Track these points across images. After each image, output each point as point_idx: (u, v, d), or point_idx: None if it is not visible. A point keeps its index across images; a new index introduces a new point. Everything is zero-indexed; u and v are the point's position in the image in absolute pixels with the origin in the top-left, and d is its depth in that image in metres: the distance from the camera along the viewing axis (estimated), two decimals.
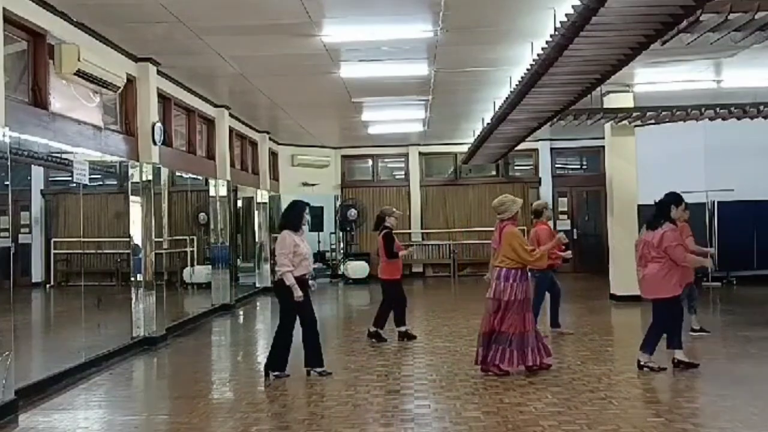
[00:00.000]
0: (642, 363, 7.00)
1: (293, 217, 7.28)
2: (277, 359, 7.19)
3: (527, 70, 8.07)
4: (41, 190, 16.79)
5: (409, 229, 19.42)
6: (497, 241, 7.14)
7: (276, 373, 7.15)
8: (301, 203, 7.52)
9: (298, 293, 6.97)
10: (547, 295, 9.42)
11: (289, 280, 6.97)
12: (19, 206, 15.43)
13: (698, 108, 11.21)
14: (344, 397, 6.36)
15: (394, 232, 9.39)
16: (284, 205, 19.26)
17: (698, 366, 7.01)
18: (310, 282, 7.29)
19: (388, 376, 7.16)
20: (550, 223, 9.90)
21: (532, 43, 8.34)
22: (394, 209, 9.74)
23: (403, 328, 9.22)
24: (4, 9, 6.21)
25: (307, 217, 7.35)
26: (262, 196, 16.57)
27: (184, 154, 11.61)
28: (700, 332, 8.91)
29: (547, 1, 7.14)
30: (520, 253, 6.93)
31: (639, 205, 12.60)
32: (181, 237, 16.05)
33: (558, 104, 9.69)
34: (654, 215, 7.19)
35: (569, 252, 9.01)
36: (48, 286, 16.44)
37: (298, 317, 7.20)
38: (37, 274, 16.41)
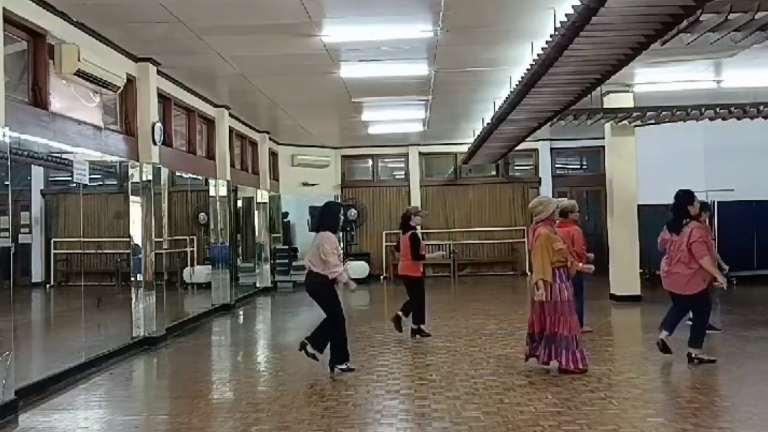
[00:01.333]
0: (694, 356, 7.13)
1: (333, 219, 7.46)
2: (340, 352, 7.31)
3: (527, 70, 8.07)
4: (41, 190, 16.79)
5: None
6: (532, 243, 7.18)
7: (342, 366, 7.25)
8: (336, 205, 7.66)
9: (352, 286, 7.34)
10: None
11: (344, 277, 7.20)
12: (19, 206, 15.44)
13: (698, 108, 11.22)
14: (344, 397, 6.36)
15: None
16: (284, 206, 19.40)
17: (715, 361, 7.15)
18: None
19: (388, 376, 7.16)
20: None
21: (532, 43, 8.35)
22: (419, 208, 9.81)
23: (415, 326, 9.33)
24: (4, 9, 6.21)
25: (342, 217, 7.48)
26: (262, 196, 16.57)
27: (184, 154, 11.61)
28: (709, 329, 8.79)
29: (547, 1, 7.14)
30: (538, 254, 6.90)
31: (639, 205, 12.61)
32: (181, 237, 16.05)
33: (558, 104, 9.69)
34: (674, 218, 7.34)
35: (592, 267, 8.85)
36: (48, 286, 16.45)
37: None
38: (37, 274, 16.41)
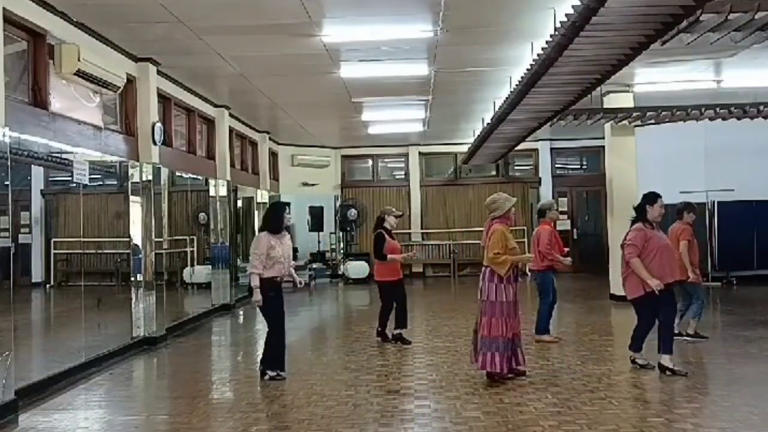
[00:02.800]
0: (664, 365, 6.86)
1: (273, 219, 7.25)
2: (272, 358, 7.20)
3: (527, 70, 8.07)
4: (41, 190, 16.76)
5: (409, 229, 19.42)
6: (486, 239, 6.99)
7: (273, 373, 7.12)
8: (281, 205, 7.52)
9: (257, 297, 7.09)
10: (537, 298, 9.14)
11: (254, 282, 7.03)
12: (19, 206, 15.40)
13: (698, 108, 11.22)
14: (344, 397, 6.36)
15: (393, 232, 9.25)
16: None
17: (686, 374, 6.76)
18: (306, 280, 7.29)
19: (388, 376, 7.16)
20: (556, 223, 9.37)
21: (532, 43, 8.34)
22: (394, 209, 9.61)
23: (396, 331, 8.95)
24: (4, 9, 6.21)
25: (288, 217, 7.30)
26: (262, 196, 16.57)
27: (184, 154, 11.61)
28: (696, 337, 8.56)
29: (547, 1, 7.14)
30: (489, 251, 6.77)
31: None
32: (181, 237, 16.04)
33: (558, 104, 9.69)
34: (633, 218, 7.21)
35: (569, 259, 8.95)
36: (48, 286, 16.42)
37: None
38: (37, 274, 16.38)
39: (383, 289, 9.13)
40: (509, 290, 6.77)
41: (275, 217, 7.25)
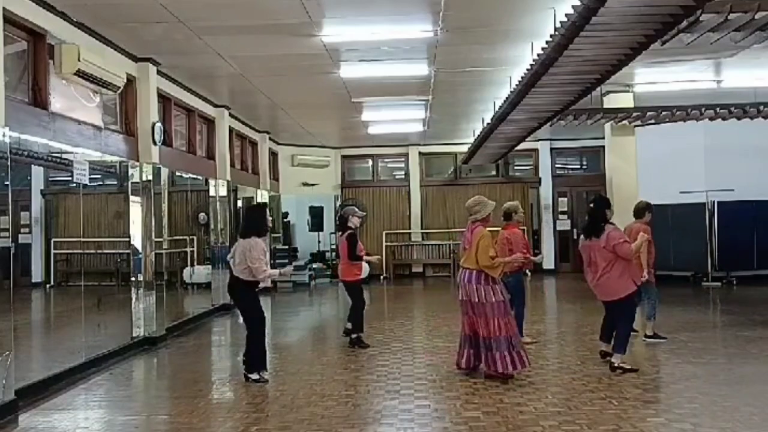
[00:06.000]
0: (616, 364, 6.95)
1: (260, 222, 7.20)
2: (254, 360, 7.15)
3: (527, 70, 8.07)
4: (41, 190, 16.75)
5: (409, 229, 19.44)
6: (468, 241, 6.98)
7: (254, 375, 7.06)
8: (261, 207, 7.48)
9: (287, 269, 7.47)
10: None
11: (274, 273, 7.14)
12: (19, 206, 15.40)
13: (698, 108, 11.23)
14: (344, 397, 6.36)
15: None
16: (284, 205, 19.40)
17: (637, 371, 6.90)
18: (286, 269, 7.32)
19: (388, 376, 7.16)
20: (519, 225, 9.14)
21: (532, 43, 8.34)
22: (357, 209, 9.62)
23: (354, 335, 8.88)
24: (4, 9, 6.21)
25: (270, 218, 7.28)
26: (262, 196, 16.56)
27: (184, 154, 11.61)
28: (654, 338, 8.60)
29: (547, 1, 7.14)
30: (480, 256, 6.74)
31: None
32: (181, 237, 16.04)
33: (558, 104, 9.69)
34: (590, 222, 7.21)
35: (541, 256, 8.94)
36: (48, 286, 16.42)
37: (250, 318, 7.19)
38: (37, 274, 16.37)
39: (354, 289, 9.12)
40: (498, 289, 6.81)
41: (261, 219, 7.22)
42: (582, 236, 7.35)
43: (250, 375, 7.04)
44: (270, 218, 7.26)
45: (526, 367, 6.79)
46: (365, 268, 9.50)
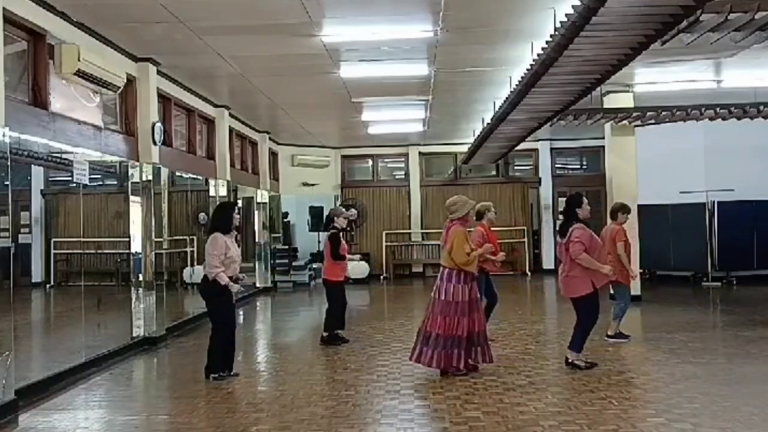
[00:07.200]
0: (570, 360, 7.09)
1: (223, 219, 7.23)
2: (221, 360, 7.19)
3: (527, 70, 8.07)
4: (41, 190, 16.75)
5: (409, 229, 19.43)
6: (444, 240, 7.13)
7: (215, 374, 7.11)
8: (229, 205, 7.56)
9: (235, 288, 7.09)
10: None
11: (224, 279, 7.00)
12: (19, 206, 15.40)
13: (698, 108, 11.22)
14: (344, 397, 6.36)
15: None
16: (284, 205, 19.40)
17: (596, 365, 7.06)
18: (238, 285, 7.28)
19: (388, 376, 7.16)
20: (490, 227, 9.16)
21: (532, 43, 8.34)
22: (344, 210, 9.73)
23: (325, 333, 9.09)
24: (4, 9, 6.21)
25: (237, 217, 7.31)
26: (262, 196, 16.57)
27: (184, 154, 11.61)
28: (617, 338, 8.65)
29: (547, 1, 7.14)
30: (454, 252, 6.88)
31: (639, 205, 12.61)
32: (181, 237, 16.03)
33: (558, 104, 9.69)
34: (564, 222, 7.29)
35: (502, 254, 8.96)
36: (48, 286, 16.43)
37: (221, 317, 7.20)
38: (37, 274, 16.37)
39: (335, 290, 9.23)
40: (466, 290, 6.91)
41: (225, 217, 7.24)
42: (559, 235, 7.43)
43: (212, 374, 7.10)
44: (237, 216, 7.29)
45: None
46: (349, 268, 9.58)
